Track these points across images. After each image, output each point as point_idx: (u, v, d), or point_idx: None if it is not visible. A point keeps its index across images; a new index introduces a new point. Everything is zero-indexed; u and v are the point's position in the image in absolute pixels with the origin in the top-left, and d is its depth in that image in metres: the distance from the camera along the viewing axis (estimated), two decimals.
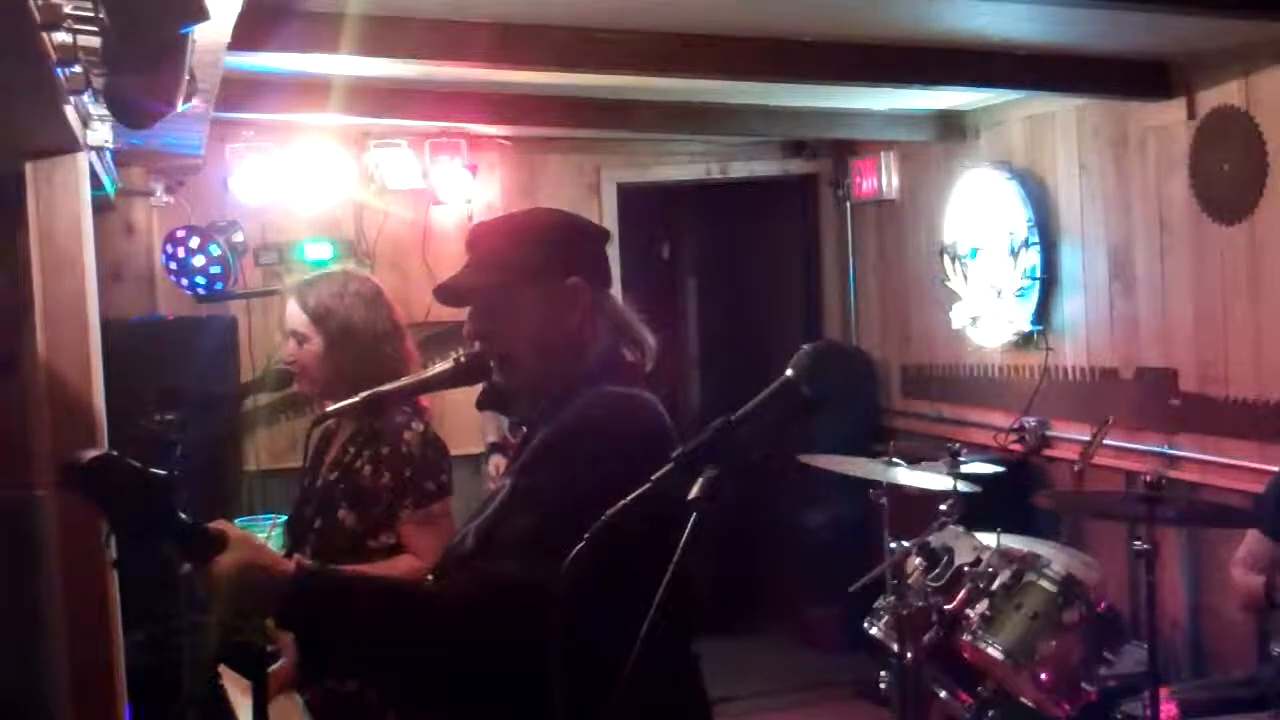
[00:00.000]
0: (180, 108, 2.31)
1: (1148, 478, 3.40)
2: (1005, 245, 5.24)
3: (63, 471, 1.85)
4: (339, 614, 1.76)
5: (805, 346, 1.74)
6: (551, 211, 2.19)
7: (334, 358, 2.95)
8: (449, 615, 1.76)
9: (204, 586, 1.76)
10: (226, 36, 2.55)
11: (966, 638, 3.77)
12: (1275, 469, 3.69)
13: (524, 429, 2.06)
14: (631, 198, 6.46)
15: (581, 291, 1.95)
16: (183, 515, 1.74)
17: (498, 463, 4.71)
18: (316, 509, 2.91)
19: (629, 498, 1.64)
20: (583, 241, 2.04)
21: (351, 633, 1.77)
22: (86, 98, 2.30)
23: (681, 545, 1.49)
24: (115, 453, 1.77)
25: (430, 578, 1.98)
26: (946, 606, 3.84)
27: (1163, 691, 3.35)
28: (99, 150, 3.06)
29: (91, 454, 1.77)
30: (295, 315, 2.99)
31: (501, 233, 2.05)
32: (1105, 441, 4.42)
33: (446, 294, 2.01)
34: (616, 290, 2.13)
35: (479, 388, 2.14)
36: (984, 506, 4.09)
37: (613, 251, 2.62)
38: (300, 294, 3.01)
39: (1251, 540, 3.56)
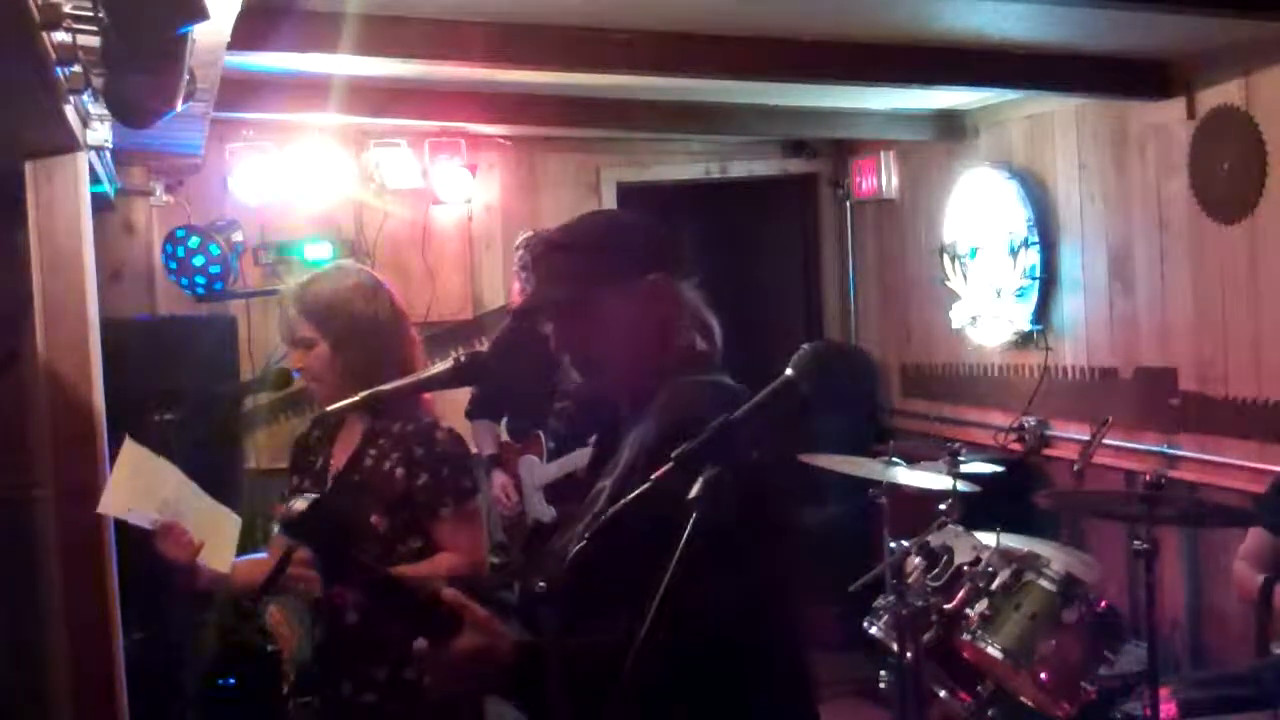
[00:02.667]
0: (180, 107, 2.31)
1: (1147, 477, 3.40)
2: (1005, 245, 5.24)
3: (282, 520, 1.83)
4: (565, 687, 1.72)
5: (805, 346, 1.74)
6: (612, 213, 2.16)
7: (344, 357, 2.87)
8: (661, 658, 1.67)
9: (433, 665, 1.70)
10: (226, 36, 2.55)
11: (966, 637, 3.77)
12: (1275, 469, 3.69)
13: (592, 432, 2.05)
14: (631, 197, 6.46)
15: (663, 286, 1.93)
16: (408, 579, 1.69)
17: (504, 484, 4.60)
18: (339, 514, 2.85)
19: (629, 497, 1.64)
20: (653, 236, 2.03)
21: (577, 698, 1.72)
22: (86, 98, 2.30)
23: (681, 545, 1.49)
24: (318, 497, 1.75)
25: (540, 584, 1.90)
26: (946, 606, 3.84)
27: (1162, 691, 3.35)
28: (99, 150, 3.06)
29: (307, 500, 1.75)
30: (297, 321, 2.91)
31: (566, 243, 2.02)
32: (1105, 441, 4.41)
33: (527, 314, 2.00)
34: None
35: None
36: (984, 506, 4.09)
37: None
38: (299, 299, 2.93)
39: (1255, 536, 3.56)
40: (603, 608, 1.66)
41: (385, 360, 2.79)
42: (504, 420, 4.82)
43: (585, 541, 1.63)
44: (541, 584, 1.88)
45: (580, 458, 4.25)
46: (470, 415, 4.75)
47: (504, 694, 1.74)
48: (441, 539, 2.82)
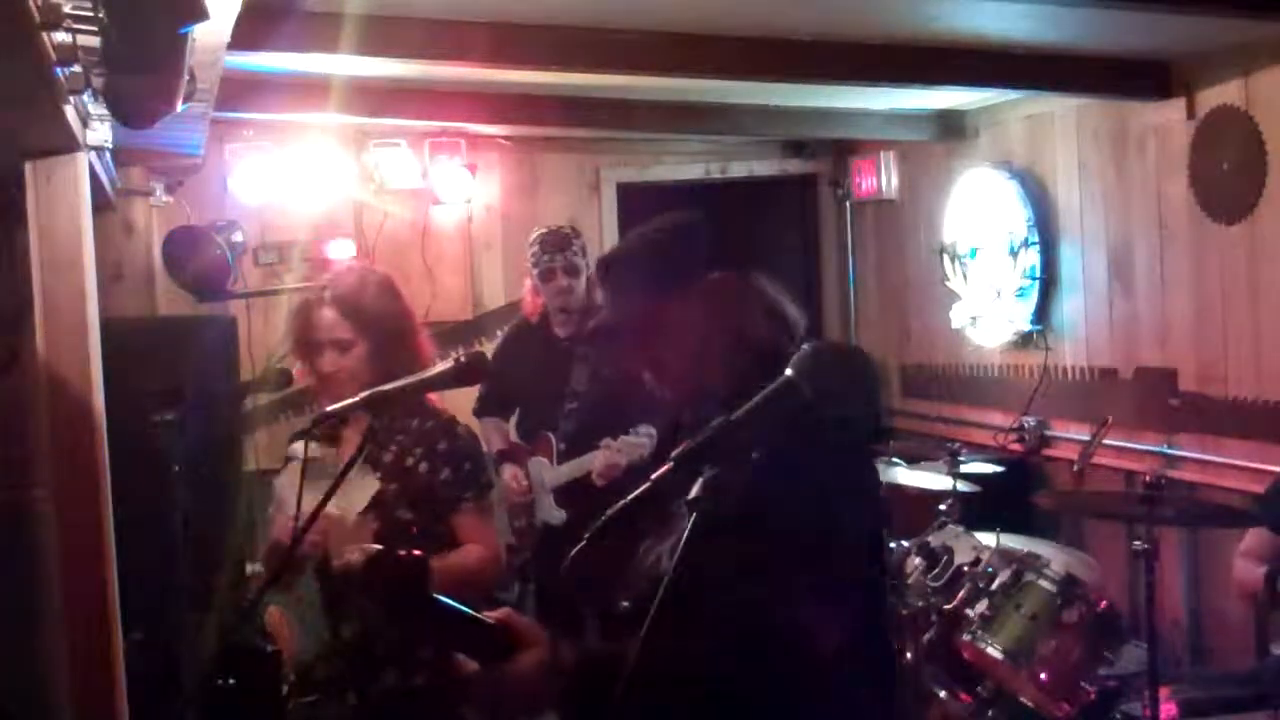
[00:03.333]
0: (180, 107, 2.31)
1: (1147, 477, 3.40)
2: (1005, 245, 5.24)
3: (340, 571, 1.80)
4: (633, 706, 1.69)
5: (805, 346, 1.74)
6: (669, 218, 2.12)
7: (381, 357, 2.85)
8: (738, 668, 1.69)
9: (494, 687, 1.67)
10: (226, 36, 2.55)
11: (966, 638, 3.77)
12: (1275, 469, 3.69)
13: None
14: (631, 197, 6.46)
15: (728, 283, 1.92)
16: (463, 609, 1.65)
17: (514, 473, 4.58)
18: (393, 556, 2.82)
19: (628, 498, 1.64)
20: (707, 235, 2.02)
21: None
22: (86, 98, 2.30)
23: (681, 546, 1.49)
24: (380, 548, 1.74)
25: (624, 604, 1.87)
26: (946, 606, 3.84)
27: (1162, 691, 3.35)
28: (99, 150, 3.05)
29: (365, 553, 1.74)
30: (335, 322, 2.86)
31: (627, 259, 2.03)
32: (1105, 441, 4.42)
33: (604, 335, 2.00)
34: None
35: (478, 388, 2.13)
36: (984, 506, 4.09)
37: None
38: (336, 299, 2.88)
39: (1255, 534, 3.56)
40: (691, 628, 1.63)
41: (415, 358, 2.78)
42: (513, 420, 4.79)
43: (585, 542, 1.63)
44: (625, 603, 1.85)
45: (590, 461, 4.24)
46: (478, 413, 4.73)
47: (562, 711, 1.72)
48: (462, 531, 2.84)
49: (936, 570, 3.93)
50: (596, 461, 4.20)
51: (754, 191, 6.81)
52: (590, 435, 4.26)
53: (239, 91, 4.26)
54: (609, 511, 1.64)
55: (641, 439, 4.15)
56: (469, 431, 2.94)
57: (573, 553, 1.62)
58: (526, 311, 4.68)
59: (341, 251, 5.78)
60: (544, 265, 4.38)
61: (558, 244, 4.39)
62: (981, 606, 3.76)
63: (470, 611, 1.65)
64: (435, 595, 1.69)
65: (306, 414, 5.70)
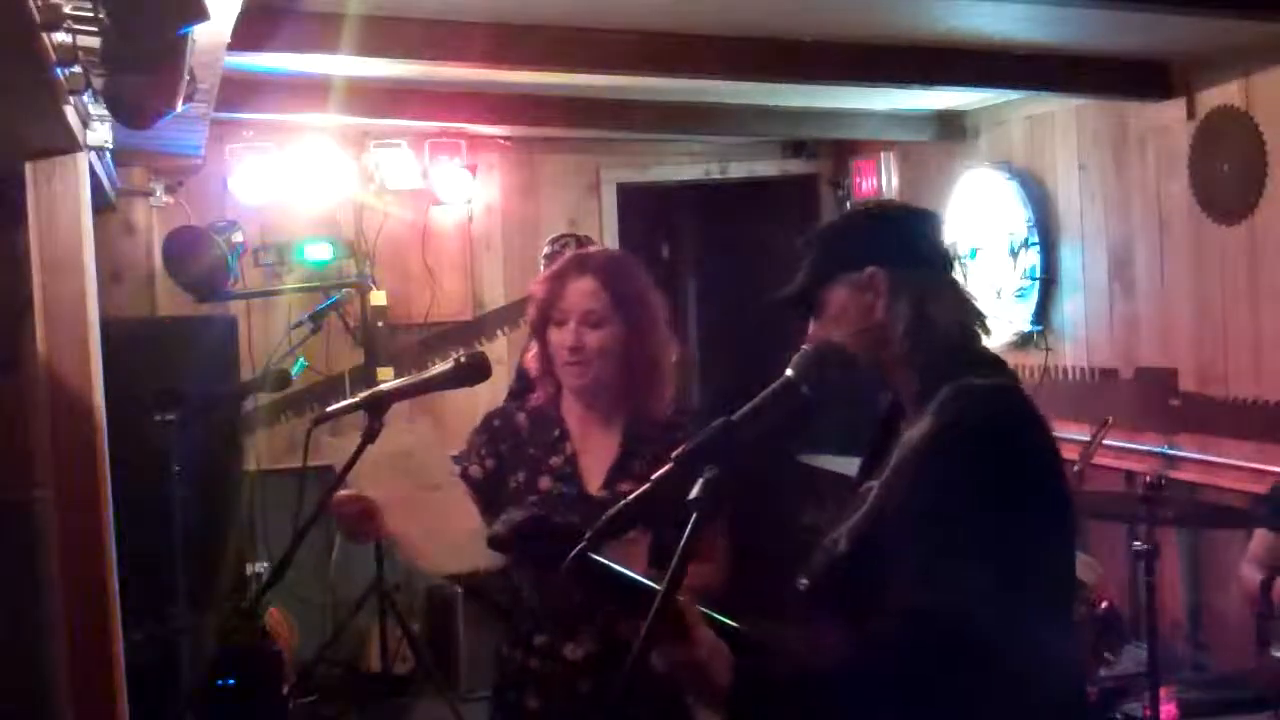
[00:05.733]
0: (180, 108, 2.31)
1: (1147, 478, 3.40)
2: (1005, 245, 5.24)
3: (496, 540, 1.77)
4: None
5: (805, 347, 1.75)
6: (876, 204, 2.09)
7: (629, 348, 2.58)
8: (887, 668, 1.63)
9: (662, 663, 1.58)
10: (226, 36, 2.55)
11: None
12: (1275, 469, 3.69)
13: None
14: (631, 198, 6.46)
15: (878, 279, 1.88)
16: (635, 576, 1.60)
17: None
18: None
19: (629, 498, 1.64)
20: (886, 227, 1.98)
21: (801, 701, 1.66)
22: (86, 98, 2.30)
23: (681, 547, 1.49)
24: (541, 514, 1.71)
25: (803, 582, 1.85)
26: None
27: (1163, 691, 3.35)
28: (99, 150, 3.05)
29: (520, 517, 1.71)
30: (593, 291, 2.57)
31: (822, 232, 2.04)
32: (1105, 441, 4.41)
33: (783, 302, 1.99)
34: None
35: (479, 389, 2.11)
36: None
37: None
38: (594, 268, 2.60)
39: (1259, 538, 3.56)
40: (867, 609, 1.64)
41: (661, 354, 2.63)
42: None
43: (591, 534, 1.62)
44: (804, 581, 1.84)
45: None
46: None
47: (716, 709, 1.65)
48: None
49: None
50: None
51: (754, 191, 6.81)
52: None
53: (239, 91, 4.25)
54: (609, 512, 1.64)
55: None
56: None
57: (574, 551, 1.62)
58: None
59: (319, 252, 5.77)
60: None
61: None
62: None
63: (644, 580, 1.58)
64: (594, 558, 1.61)
65: (307, 414, 5.71)
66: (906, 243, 1.94)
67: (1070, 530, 1.86)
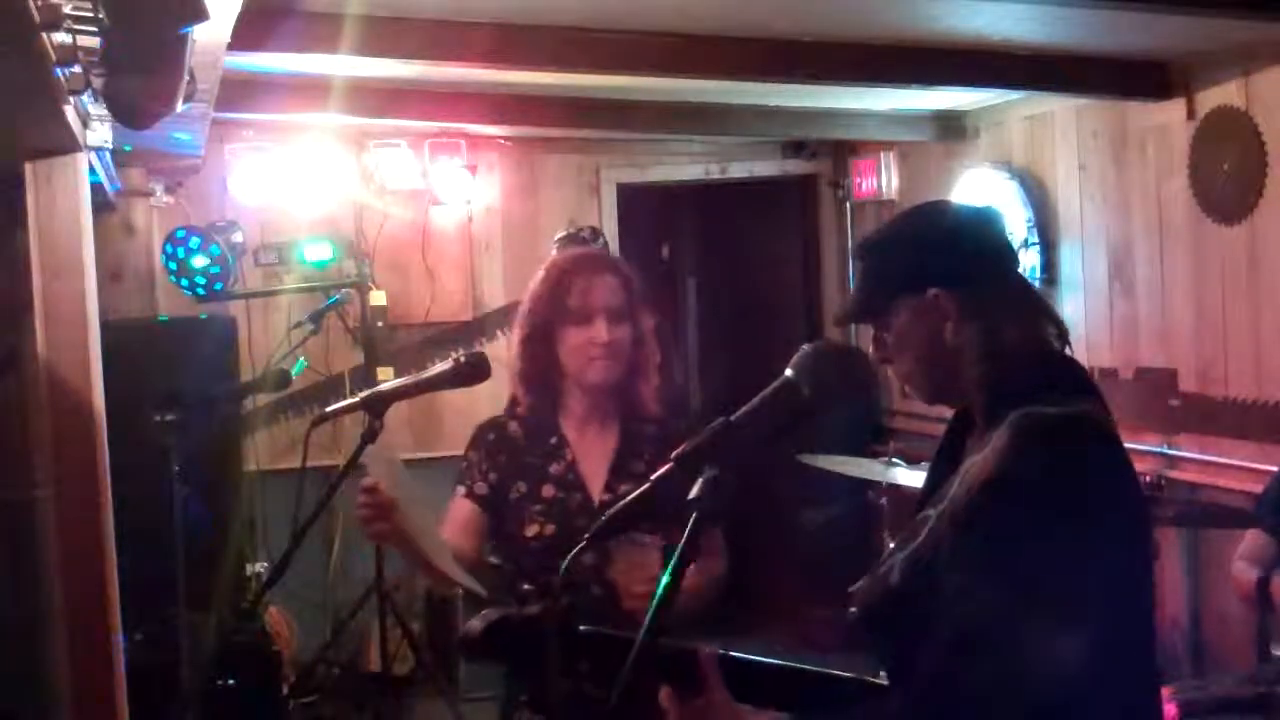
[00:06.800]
0: (180, 108, 2.31)
1: (1147, 478, 3.40)
2: None
3: (463, 643, 1.76)
4: None
5: (805, 347, 1.74)
6: (931, 211, 1.90)
7: (636, 347, 2.61)
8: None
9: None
10: (226, 36, 2.55)
11: None
12: (1275, 468, 3.69)
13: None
14: (631, 198, 6.46)
15: (943, 302, 1.72)
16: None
17: None
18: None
19: (627, 499, 1.64)
20: (945, 240, 1.77)
21: None
22: (86, 98, 2.30)
23: (680, 547, 1.49)
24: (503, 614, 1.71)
25: (853, 611, 1.77)
26: None
27: (1163, 691, 3.35)
28: (99, 150, 3.06)
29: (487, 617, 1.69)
30: (616, 288, 2.59)
31: (877, 244, 1.84)
32: None
33: (840, 316, 1.94)
34: None
35: (479, 389, 2.10)
36: None
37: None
38: (613, 266, 2.65)
39: (1254, 536, 3.57)
40: (917, 642, 1.59)
41: (650, 368, 2.63)
42: None
43: (591, 534, 1.63)
44: (854, 610, 1.76)
45: None
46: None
47: None
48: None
49: None
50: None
51: (754, 191, 6.82)
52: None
53: (239, 91, 4.26)
54: (608, 513, 1.64)
55: None
56: None
57: (571, 554, 1.62)
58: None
59: (319, 253, 5.76)
60: None
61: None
62: None
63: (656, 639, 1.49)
64: (585, 630, 1.63)
65: (306, 414, 5.72)
66: (969, 256, 1.75)
67: (1148, 585, 1.69)
